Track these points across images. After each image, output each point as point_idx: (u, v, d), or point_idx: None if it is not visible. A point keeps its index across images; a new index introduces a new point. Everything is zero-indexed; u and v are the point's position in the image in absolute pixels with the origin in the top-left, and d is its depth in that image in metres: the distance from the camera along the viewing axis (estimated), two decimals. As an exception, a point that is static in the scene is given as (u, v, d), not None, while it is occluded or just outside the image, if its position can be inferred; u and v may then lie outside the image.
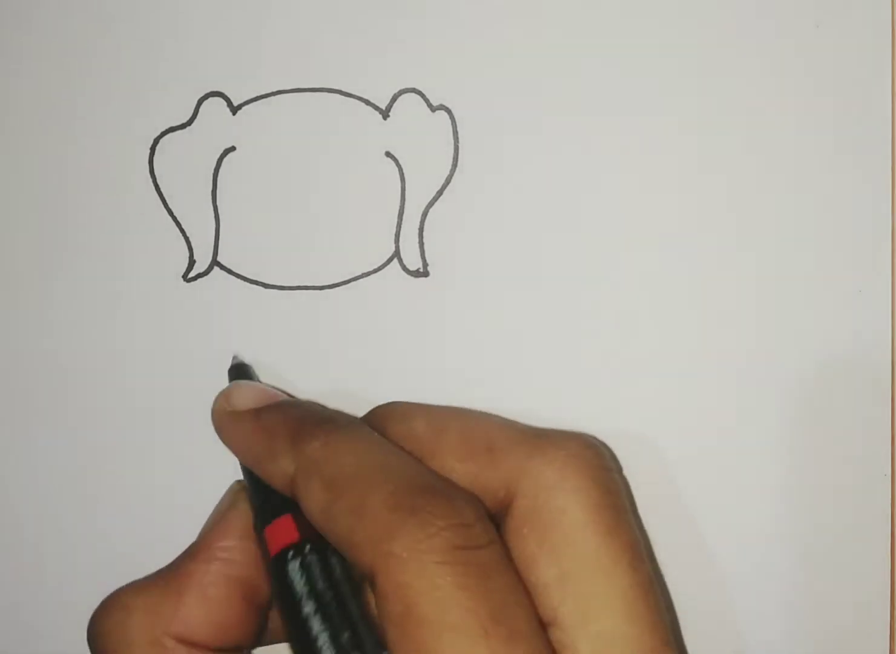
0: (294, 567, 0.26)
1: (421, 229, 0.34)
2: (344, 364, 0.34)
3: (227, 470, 0.33)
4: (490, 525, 0.26)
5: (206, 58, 0.34)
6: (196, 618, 0.28)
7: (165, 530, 0.34)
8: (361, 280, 0.34)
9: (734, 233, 0.33)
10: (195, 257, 0.35)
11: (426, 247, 0.34)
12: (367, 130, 0.34)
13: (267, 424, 0.29)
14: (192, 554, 0.29)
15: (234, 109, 0.34)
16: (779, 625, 0.33)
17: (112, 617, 0.28)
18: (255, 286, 0.34)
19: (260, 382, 0.33)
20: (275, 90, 0.34)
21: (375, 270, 0.34)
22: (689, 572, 0.33)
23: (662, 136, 0.33)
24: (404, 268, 0.34)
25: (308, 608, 0.26)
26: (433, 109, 0.34)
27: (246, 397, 0.30)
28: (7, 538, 0.35)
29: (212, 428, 0.33)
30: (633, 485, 0.33)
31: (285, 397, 0.31)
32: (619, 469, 0.31)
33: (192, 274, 0.35)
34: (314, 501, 0.26)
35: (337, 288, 0.34)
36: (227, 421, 0.30)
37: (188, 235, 0.35)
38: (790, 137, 0.33)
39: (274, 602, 0.28)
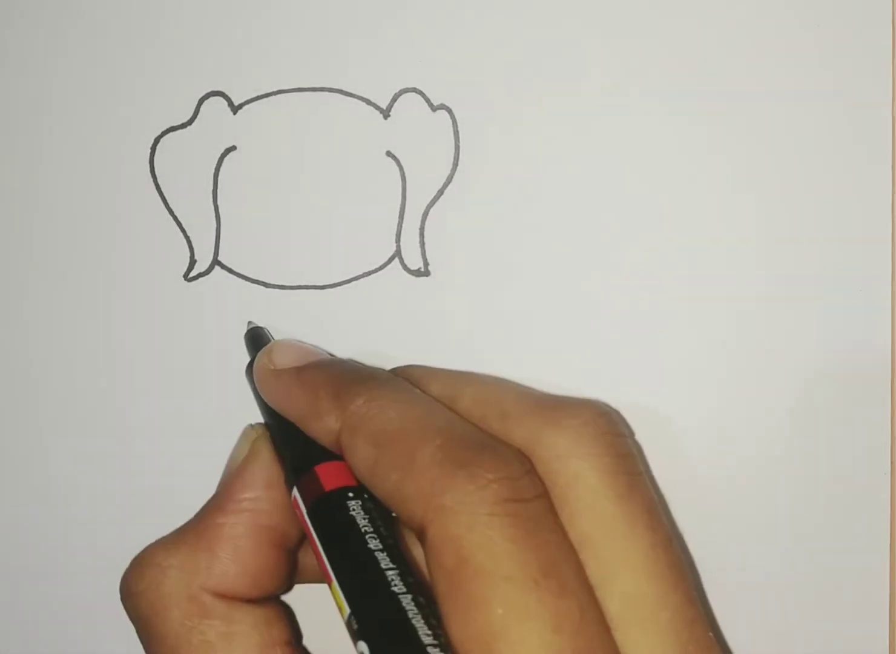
0: (356, 505, 0.27)
1: (422, 229, 0.34)
2: (345, 364, 0.34)
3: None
4: (538, 479, 0.26)
5: (207, 57, 0.34)
6: (231, 571, 0.28)
7: (168, 528, 0.34)
8: (362, 280, 0.34)
9: (734, 233, 0.33)
10: (196, 257, 0.35)
11: (427, 246, 0.34)
12: (368, 129, 0.34)
13: (310, 382, 0.29)
14: (218, 506, 0.29)
15: (235, 109, 0.34)
16: (779, 625, 0.33)
17: (146, 577, 0.28)
18: (256, 286, 0.34)
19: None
20: (275, 90, 0.34)
21: (376, 270, 0.34)
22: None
23: (663, 136, 0.33)
24: (405, 267, 0.34)
25: (373, 544, 0.26)
26: (434, 108, 0.34)
27: (288, 355, 0.30)
28: (8, 537, 0.35)
29: (213, 426, 0.34)
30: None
31: (326, 355, 0.32)
32: (632, 435, 0.31)
33: (193, 273, 0.35)
34: (361, 457, 0.27)
35: (338, 287, 0.34)
36: (271, 379, 0.30)
37: (189, 234, 0.35)
38: (790, 137, 0.33)
39: (317, 542, 0.27)
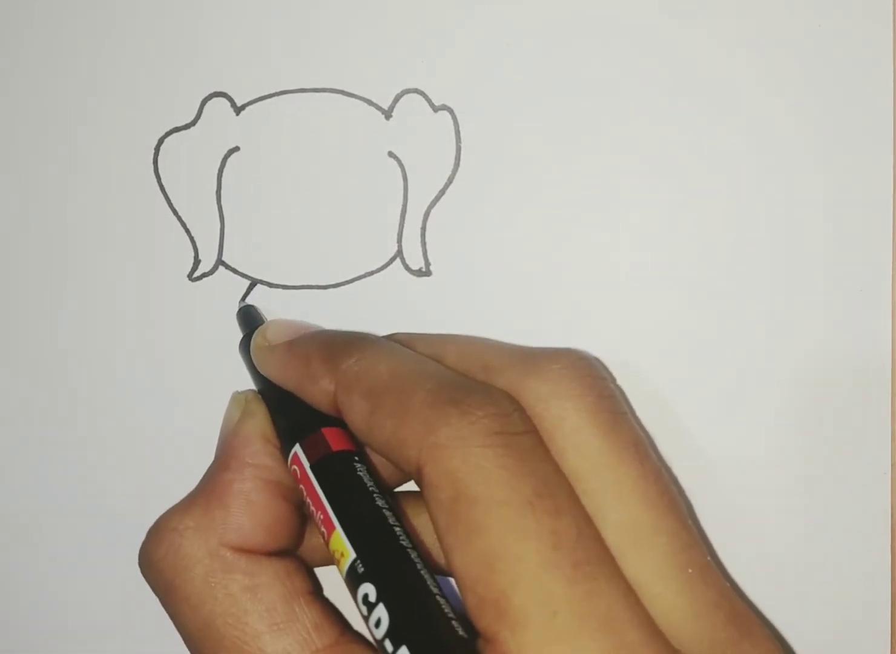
0: (361, 468, 0.28)
1: (423, 229, 0.34)
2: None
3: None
4: (526, 416, 0.27)
5: (210, 58, 0.35)
6: (247, 525, 0.29)
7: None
8: (364, 280, 0.34)
9: (734, 233, 0.33)
10: (200, 257, 0.35)
11: (428, 246, 0.34)
12: (370, 130, 0.34)
13: (302, 351, 0.30)
14: (223, 465, 0.30)
15: (238, 110, 0.35)
16: (779, 624, 0.33)
17: (164, 542, 0.29)
18: (259, 285, 0.35)
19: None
20: (278, 91, 0.35)
21: (378, 270, 0.34)
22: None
23: (663, 136, 0.34)
24: (407, 267, 0.34)
25: (380, 502, 0.27)
26: (435, 109, 0.34)
27: (280, 331, 0.31)
28: (11, 536, 0.35)
29: (216, 424, 0.34)
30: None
31: (315, 328, 0.32)
32: (613, 379, 0.32)
33: (197, 273, 0.35)
34: (357, 412, 0.27)
35: (340, 287, 0.34)
36: (266, 354, 0.31)
37: (193, 234, 0.35)
38: (790, 137, 0.33)
39: (321, 494, 0.28)
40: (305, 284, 0.35)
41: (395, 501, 0.30)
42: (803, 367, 0.33)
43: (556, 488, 0.25)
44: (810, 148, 0.33)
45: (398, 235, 0.34)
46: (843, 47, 0.33)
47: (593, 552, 0.24)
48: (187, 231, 0.35)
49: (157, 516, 0.34)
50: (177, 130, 0.35)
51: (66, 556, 0.35)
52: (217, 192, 0.35)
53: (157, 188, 0.35)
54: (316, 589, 0.29)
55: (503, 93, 0.34)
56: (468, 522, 0.24)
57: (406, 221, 0.34)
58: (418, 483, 0.26)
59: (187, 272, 0.35)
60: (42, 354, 0.35)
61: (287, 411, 0.30)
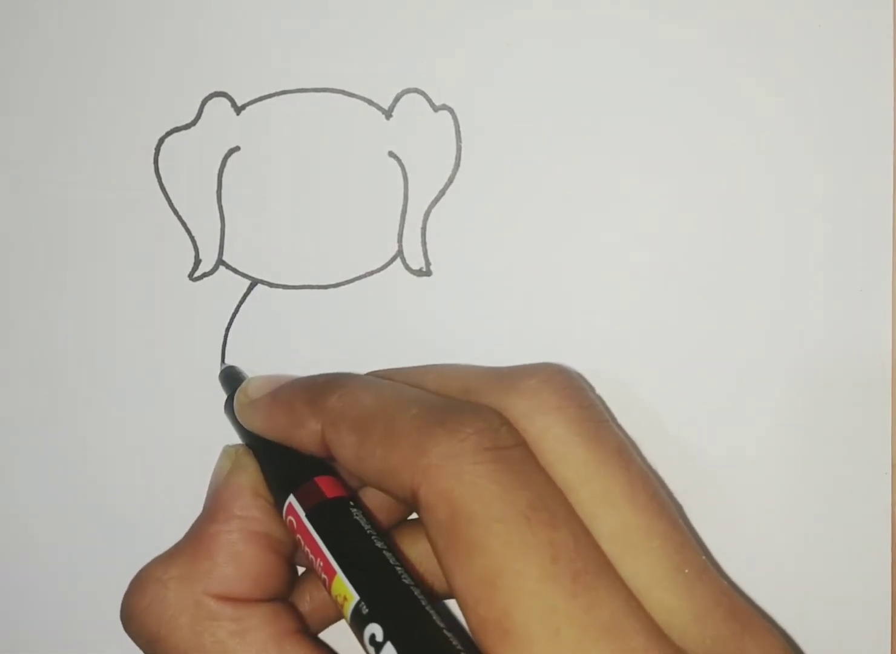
0: (357, 512, 0.28)
1: (424, 229, 0.34)
2: (347, 363, 0.34)
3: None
4: (514, 429, 0.27)
5: (210, 58, 0.35)
6: (232, 575, 0.29)
7: (171, 525, 0.35)
8: (365, 279, 0.34)
9: (735, 232, 0.33)
10: (201, 257, 0.35)
11: (429, 246, 0.34)
12: (371, 129, 0.34)
13: (285, 398, 0.30)
14: (210, 517, 0.30)
15: (238, 110, 0.35)
16: (779, 624, 0.33)
17: (148, 593, 0.29)
18: (259, 285, 0.35)
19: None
20: (278, 90, 0.35)
21: (379, 270, 0.34)
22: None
23: (663, 136, 0.34)
24: (407, 267, 0.34)
25: (379, 544, 0.27)
26: (436, 108, 0.34)
27: (261, 386, 0.31)
28: (10, 537, 0.35)
29: (216, 424, 0.34)
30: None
31: (296, 376, 0.32)
32: (592, 388, 0.32)
33: (197, 273, 0.35)
34: (346, 445, 0.27)
35: (340, 287, 0.34)
36: (249, 409, 0.31)
37: (193, 234, 0.35)
38: (790, 137, 0.33)
39: (319, 541, 0.28)
40: (306, 283, 0.35)
41: (392, 541, 0.30)
42: (803, 367, 0.33)
43: (550, 500, 0.25)
44: (810, 148, 0.33)
45: (398, 234, 0.34)
46: (843, 47, 0.33)
47: (592, 561, 0.24)
48: (188, 231, 0.35)
49: (155, 516, 0.34)
50: (177, 129, 0.35)
51: (64, 556, 0.35)
52: (217, 191, 0.35)
53: (158, 188, 0.35)
54: (304, 629, 0.29)
55: (503, 93, 0.34)
56: (466, 541, 0.24)
57: (406, 220, 0.34)
58: (415, 508, 0.26)
59: (188, 272, 0.35)
60: (42, 353, 0.35)
61: (278, 464, 0.30)
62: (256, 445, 0.31)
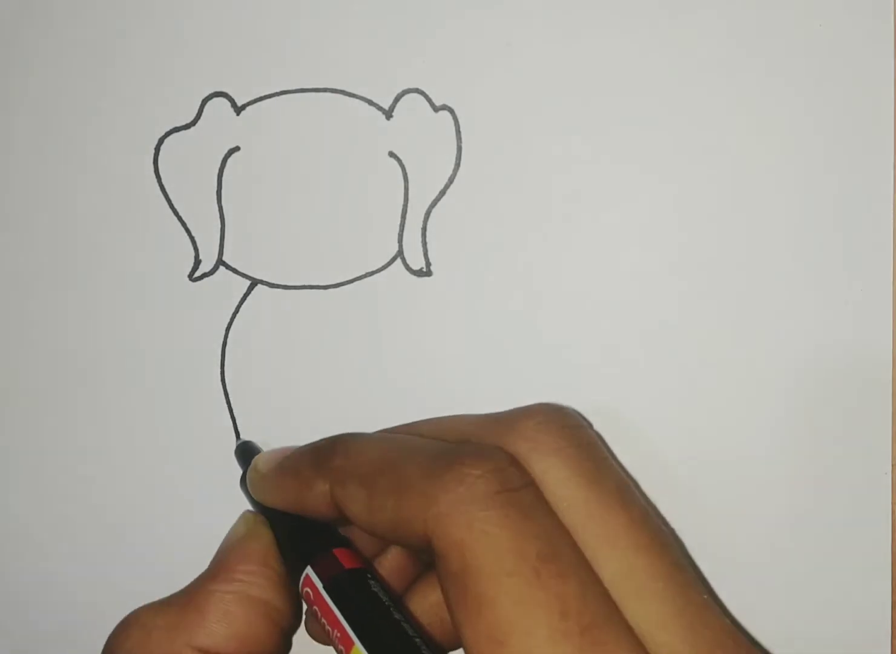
0: (375, 584, 0.28)
1: (424, 229, 0.34)
2: (347, 363, 0.34)
3: (231, 464, 0.34)
4: (523, 468, 0.27)
5: (210, 58, 0.34)
6: (219, 632, 0.29)
7: (171, 525, 0.35)
8: (365, 280, 0.34)
9: (735, 233, 0.33)
10: (201, 257, 0.35)
11: (429, 246, 0.34)
12: (371, 130, 0.34)
13: (291, 466, 0.30)
14: (211, 576, 0.30)
15: (238, 110, 0.35)
16: (779, 624, 0.33)
17: (132, 637, 0.29)
18: (259, 286, 0.35)
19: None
20: (278, 90, 0.34)
21: (379, 270, 0.34)
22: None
23: (664, 136, 0.34)
24: (407, 267, 0.34)
25: (397, 616, 0.27)
26: (436, 109, 0.34)
27: (270, 458, 0.31)
28: (8, 538, 0.35)
29: (215, 425, 0.34)
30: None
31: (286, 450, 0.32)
32: (590, 425, 0.32)
33: (197, 273, 0.35)
34: (356, 501, 0.27)
35: (340, 287, 0.34)
36: (260, 482, 0.31)
37: (193, 234, 0.35)
38: (791, 137, 0.33)
39: (337, 612, 0.28)
40: (306, 284, 0.35)
41: (409, 612, 0.30)
42: (804, 367, 0.33)
43: (560, 548, 0.25)
44: (810, 148, 0.33)
45: (399, 235, 0.34)
46: (844, 47, 0.33)
47: (601, 613, 0.24)
48: (188, 231, 0.35)
49: (154, 517, 0.34)
50: (177, 129, 0.35)
51: (63, 558, 0.35)
52: (217, 192, 0.35)
53: (158, 188, 0.35)
54: None
55: (504, 93, 0.34)
56: (476, 595, 0.24)
57: (407, 221, 0.34)
58: (431, 558, 0.25)
59: (188, 272, 0.35)
60: (42, 354, 0.35)
61: (294, 535, 0.30)
62: (272, 517, 0.31)
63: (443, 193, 0.34)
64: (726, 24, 0.33)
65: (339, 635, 0.27)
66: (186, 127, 0.35)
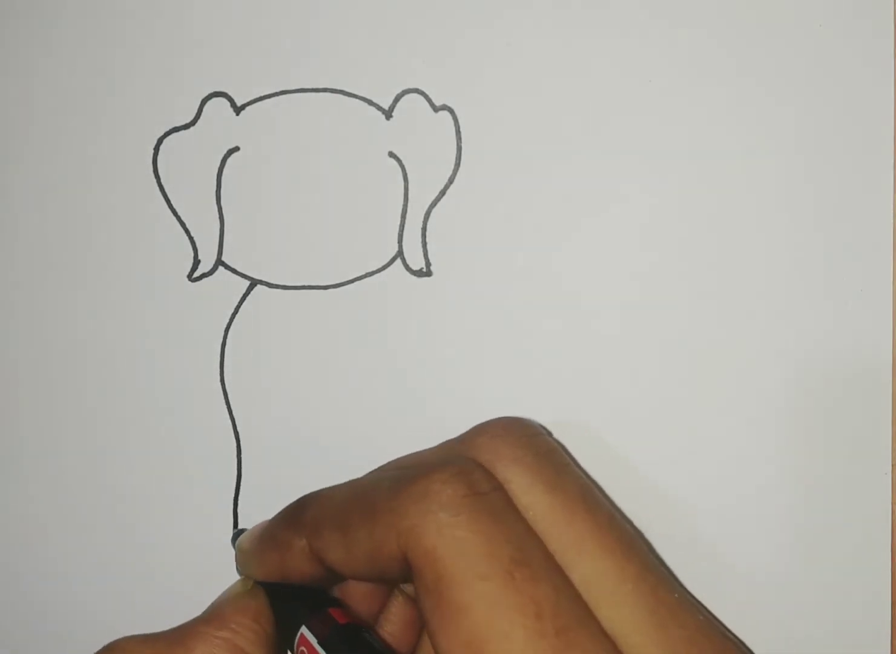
0: (369, 636, 0.28)
1: (424, 229, 0.34)
2: (346, 363, 0.34)
3: (230, 464, 0.34)
4: (490, 473, 0.26)
5: (210, 58, 0.34)
6: None
7: (169, 526, 0.35)
8: (365, 280, 0.34)
9: (734, 233, 0.33)
10: (200, 257, 0.35)
11: (429, 247, 0.34)
12: (371, 130, 0.34)
13: (267, 534, 0.30)
14: (203, 620, 0.30)
15: (238, 110, 0.35)
16: (779, 624, 0.33)
17: None
18: (259, 286, 0.35)
19: None
20: (278, 90, 0.34)
21: (379, 270, 0.34)
22: (689, 571, 0.33)
23: (663, 135, 0.34)
24: (407, 268, 0.34)
25: None
26: (436, 109, 0.34)
27: (248, 536, 0.31)
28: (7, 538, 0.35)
29: (214, 425, 0.34)
30: (636, 483, 0.33)
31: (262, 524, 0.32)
32: (549, 433, 0.32)
33: (196, 274, 0.35)
34: (333, 544, 0.27)
35: (340, 288, 0.34)
36: (246, 561, 0.31)
37: (193, 234, 0.35)
38: (790, 137, 0.33)
39: None
40: (305, 284, 0.35)
41: None
42: (803, 367, 0.33)
43: (532, 551, 0.25)
44: (810, 148, 0.33)
45: (399, 235, 0.34)
46: (844, 47, 0.33)
47: (574, 614, 0.24)
48: (187, 231, 0.35)
49: (152, 517, 0.34)
50: (176, 129, 0.35)
51: (61, 557, 0.35)
52: (217, 192, 0.35)
53: (157, 188, 0.35)
54: None
55: (503, 93, 0.34)
56: (450, 601, 0.24)
57: (407, 221, 0.34)
58: (412, 578, 0.25)
59: (187, 272, 0.35)
60: (40, 354, 0.35)
61: (288, 602, 0.30)
62: (267, 589, 0.31)
63: (443, 193, 0.34)
64: (726, 25, 0.33)
65: None
66: (186, 127, 0.35)
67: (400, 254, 0.34)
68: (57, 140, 0.35)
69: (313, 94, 0.34)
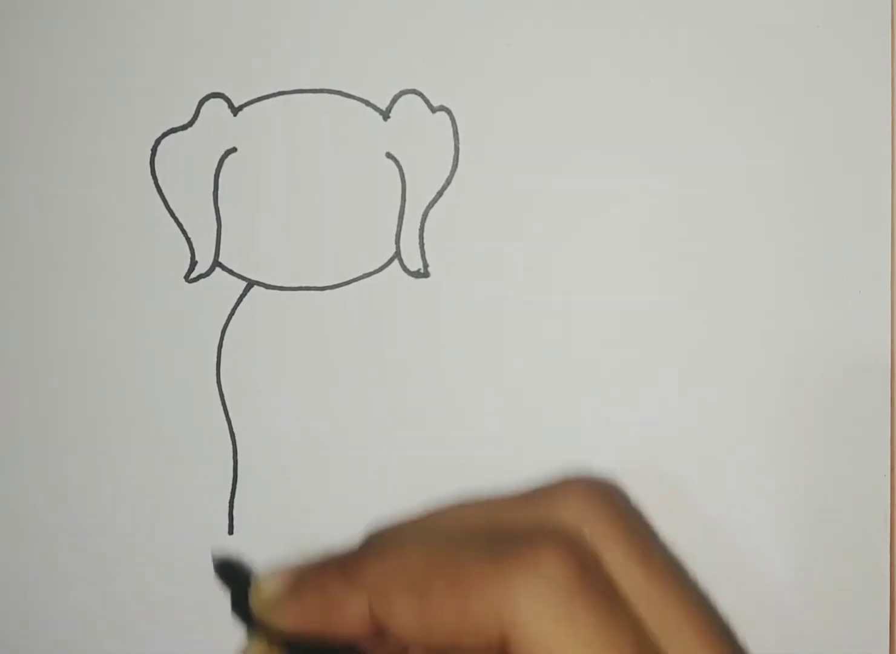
0: None
1: (421, 230, 0.34)
2: (344, 364, 0.34)
3: (226, 464, 0.34)
4: (592, 548, 0.25)
5: (207, 59, 0.34)
6: None
7: (166, 526, 0.34)
8: (362, 281, 0.34)
9: (734, 233, 0.33)
10: (197, 258, 0.35)
11: (426, 248, 0.34)
12: (368, 130, 0.34)
13: (315, 585, 0.27)
14: None
15: (235, 111, 0.35)
16: (779, 624, 0.33)
17: None
18: (256, 287, 0.35)
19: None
20: (275, 91, 0.34)
21: (376, 271, 0.34)
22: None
23: (662, 136, 0.33)
24: (405, 268, 0.34)
25: None
26: (434, 109, 0.34)
27: (277, 582, 0.28)
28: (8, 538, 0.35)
29: (211, 424, 0.34)
30: (630, 478, 0.33)
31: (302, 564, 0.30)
32: (629, 497, 0.31)
33: (193, 274, 0.35)
34: (405, 614, 0.25)
35: (337, 288, 0.34)
36: (277, 608, 0.28)
37: (190, 235, 0.35)
38: (790, 137, 0.33)
39: None
40: (302, 285, 0.34)
41: None
42: (803, 367, 0.33)
43: (645, 634, 0.23)
44: (809, 148, 0.33)
45: (396, 236, 0.34)
46: (843, 47, 0.33)
47: None
48: (184, 232, 0.35)
49: (150, 517, 0.34)
50: (174, 130, 0.35)
51: (60, 557, 0.35)
52: (214, 193, 0.35)
53: (154, 189, 0.35)
54: None
55: (501, 94, 0.34)
56: None
57: (404, 222, 0.34)
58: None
59: (184, 273, 0.35)
60: (37, 355, 0.35)
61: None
62: (284, 643, 0.29)
63: (440, 194, 0.34)
64: (725, 25, 0.33)
65: None
66: (183, 128, 0.35)
67: (397, 255, 0.34)
68: (55, 140, 0.35)
69: (311, 94, 0.34)
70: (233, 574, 0.30)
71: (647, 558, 0.25)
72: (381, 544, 0.27)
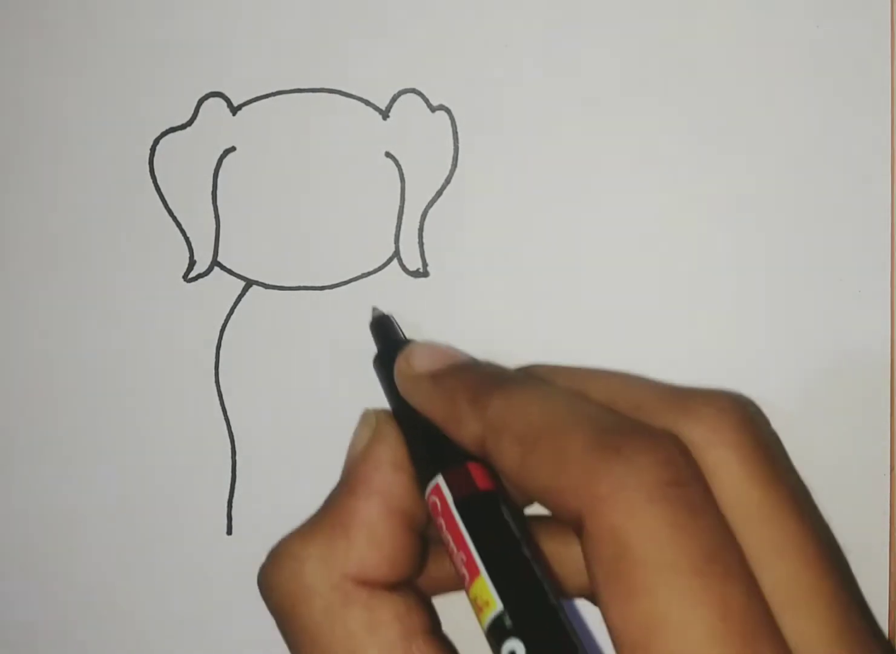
0: (506, 512, 0.26)
1: (421, 230, 0.34)
2: (344, 364, 0.34)
3: (224, 465, 0.34)
4: (694, 461, 0.25)
5: (206, 58, 0.34)
6: (370, 558, 0.27)
7: (165, 526, 0.34)
8: (361, 280, 0.34)
9: (734, 233, 0.33)
10: (195, 258, 0.35)
11: (426, 247, 0.34)
12: (368, 130, 0.34)
13: (447, 388, 0.29)
14: (350, 490, 0.28)
15: (234, 110, 0.34)
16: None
17: (286, 569, 0.28)
18: (255, 286, 0.34)
19: (402, 334, 0.33)
20: (275, 91, 0.34)
21: (375, 271, 0.34)
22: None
23: (662, 136, 0.33)
24: (404, 268, 0.34)
25: (527, 552, 0.26)
26: (433, 109, 0.34)
27: (425, 358, 0.30)
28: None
29: (210, 425, 0.34)
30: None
31: (461, 357, 0.31)
32: (768, 423, 0.31)
33: (192, 274, 0.35)
34: (508, 457, 0.26)
35: (337, 288, 0.34)
36: (410, 385, 0.30)
37: (188, 235, 0.35)
38: (790, 137, 0.33)
39: (467, 537, 0.26)
40: (301, 285, 0.34)
41: (537, 549, 0.28)
42: (803, 367, 0.33)
43: (727, 550, 0.24)
44: (808, 149, 0.33)
45: (395, 235, 0.34)
46: (842, 48, 0.33)
47: (761, 626, 0.23)
48: (182, 232, 0.35)
49: (148, 518, 0.34)
50: (173, 129, 0.35)
51: (58, 558, 0.35)
52: (213, 192, 0.35)
53: (153, 188, 0.35)
54: (434, 627, 0.28)
55: (501, 93, 0.34)
56: (631, 582, 0.23)
57: (403, 221, 0.34)
58: (576, 532, 0.24)
59: (182, 273, 0.35)
60: (35, 355, 0.35)
61: (428, 439, 0.29)
62: (405, 414, 0.30)
63: (440, 193, 0.34)
64: (725, 25, 0.33)
65: (464, 558, 0.26)
66: (182, 127, 0.35)
67: (396, 254, 0.34)
68: (53, 140, 0.35)
69: (310, 94, 0.34)
70: (385, 332, 0.31)
71: (770, 480, 0.25)
72: (516, 386, 0.27)
